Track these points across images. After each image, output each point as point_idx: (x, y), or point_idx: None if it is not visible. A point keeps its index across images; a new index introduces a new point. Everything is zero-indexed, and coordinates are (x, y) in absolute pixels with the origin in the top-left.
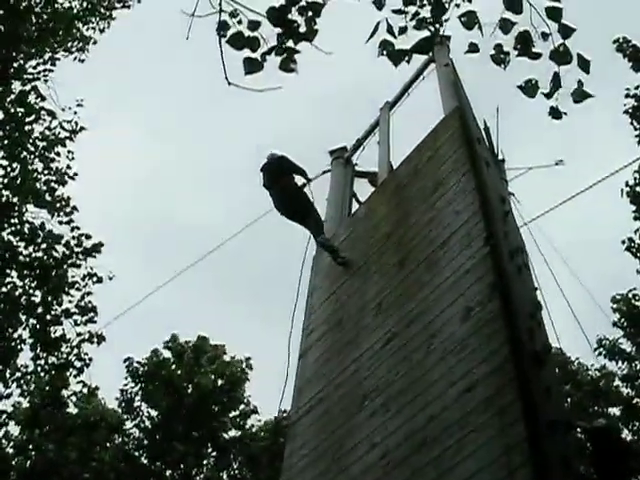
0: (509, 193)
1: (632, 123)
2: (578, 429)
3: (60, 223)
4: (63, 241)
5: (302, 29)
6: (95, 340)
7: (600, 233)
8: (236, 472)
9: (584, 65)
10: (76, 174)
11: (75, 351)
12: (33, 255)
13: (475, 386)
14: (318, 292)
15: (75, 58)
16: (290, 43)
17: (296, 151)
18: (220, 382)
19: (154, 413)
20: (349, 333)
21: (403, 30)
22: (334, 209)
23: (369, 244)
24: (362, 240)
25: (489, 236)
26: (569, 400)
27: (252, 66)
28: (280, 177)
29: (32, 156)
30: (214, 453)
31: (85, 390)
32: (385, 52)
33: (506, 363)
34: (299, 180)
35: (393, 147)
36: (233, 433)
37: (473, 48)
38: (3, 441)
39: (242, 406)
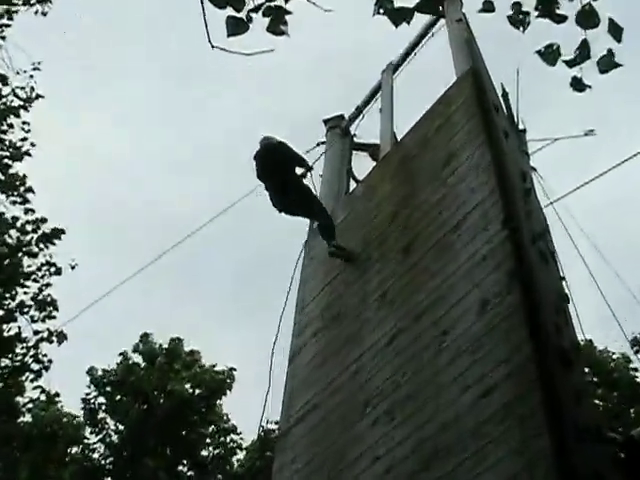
0: (531, 168)
1: None
2: (612, 439)
3: (14, 204)
4: (18, 224)
5: None
6: (55, 339)
7: (636, 214)
8: None
9: (616, 32)
10: (33, 146)
11: (32, 352)
12: None
13: (492, 390)
14: (310, 284)
15: (37, 11)
16: (280, 1)
17: (288, 125)
18: (197, 391)
19: (122, 427)
20: (348, 329)
21: None
22: (329, 187)
23: (370, 227)
24: (362, 222)
25: (508, 218)
26: (602, 405)
27: (236, 27)
28: (278, 168)
29: None
30: (190, 472)
31: (43, 397)
32: (382, 10)
33: (528, 363)
34: (298, 170)
35: (397, 115)
36: (212, 449)
37: (488, 7)
38: None
39: (222, 423)
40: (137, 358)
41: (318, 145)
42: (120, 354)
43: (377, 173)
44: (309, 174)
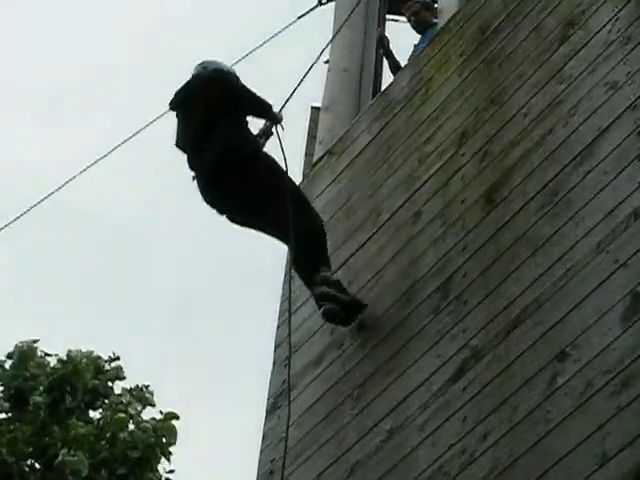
0: None
1: None
2: None
3: None
4: None
5: None
6: None
7: None
8: None
9: None
10: None
11: None
12: None
13: None
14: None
15: None
16: None
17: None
18: None
19: None
20: None
21: None
22: (343, 82)
23: (421, 154)
24: (404, 149)
25: None
26: None
27: None
28: (214, 127)
29: None
30: None
31: None
32: None
33: None
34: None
35: None
36: None
37: None
38: None
39: None
40: None
41: (321, 3)
42: None
43: (434, 54)
44: (277, 137)
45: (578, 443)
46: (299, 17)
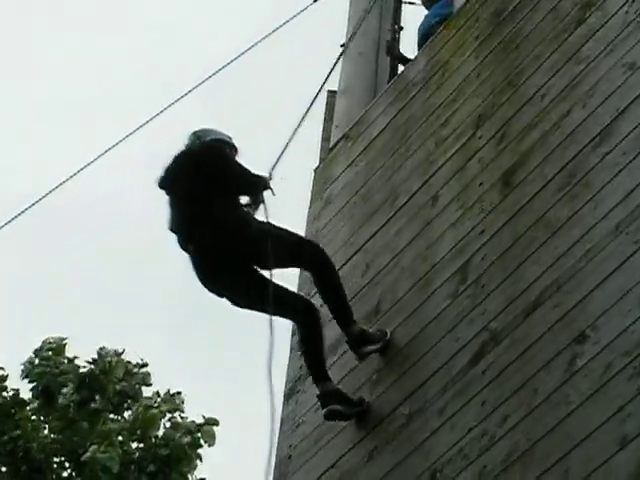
0: None
1: None
2: None
3: None
4: None
5: None
6: None
7: None
8: None
9: None
10: None
11: None
12: None
13: None
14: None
15: None
16: None
17: None
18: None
19: None
20: None
21: None
22: (359, 65)
23: (437, 139)
24: (421, 132)
25: None
26: None
27: None
28: (210, 201)
29: None
30: None
31: None
32: None
33: None
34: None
35: None
36: None
37: None
38: None
39: None
40: None
41: None
42: None
43: (450, 37)
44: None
45: (598, 426)
46: (314, 1)
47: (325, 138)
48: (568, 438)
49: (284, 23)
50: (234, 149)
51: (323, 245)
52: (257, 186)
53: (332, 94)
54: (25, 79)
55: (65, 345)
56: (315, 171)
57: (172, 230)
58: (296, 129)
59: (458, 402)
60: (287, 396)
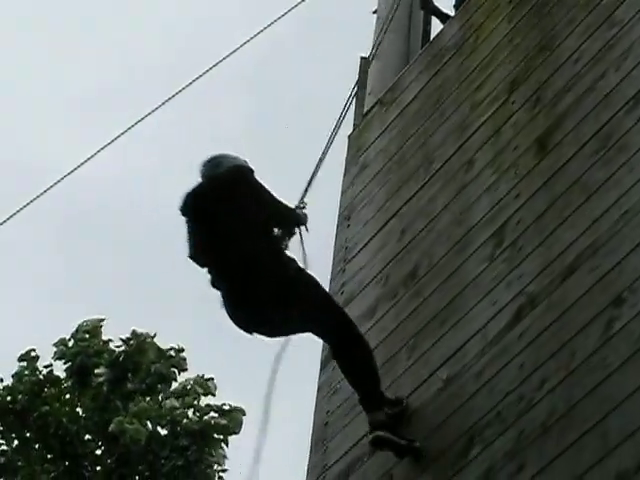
0: None
1: None
2: None
3: None
4: None
5: None
6: None
7: None
8: None
9: None
10: None
11: None
12: None
13: None
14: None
15: None
16: None
17: None
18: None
19: None
20: None
21: None
22: (392, 31)
23: (472, 103)
24: (455, 97)
25: None
26: None
27: None
28: (231, 238)
29: None
30: None
31: None
32: None
33: None
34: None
35: None
36: None
37: None
38: None
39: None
40: None
41: None
42: None
43: (483, 2)
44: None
45: (636, 388)
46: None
47: (359, 104)
48: (606, 401)
49: None
50: (253, 173)
51: (358, 211)
52: (291, 221)
53: (365, 60)
54: (56, 75)
55: (101, 327)
56: (349, 137)
57: (193, 259)
58: (327, 147)
59: (496, 366)
60: (323, 363)
